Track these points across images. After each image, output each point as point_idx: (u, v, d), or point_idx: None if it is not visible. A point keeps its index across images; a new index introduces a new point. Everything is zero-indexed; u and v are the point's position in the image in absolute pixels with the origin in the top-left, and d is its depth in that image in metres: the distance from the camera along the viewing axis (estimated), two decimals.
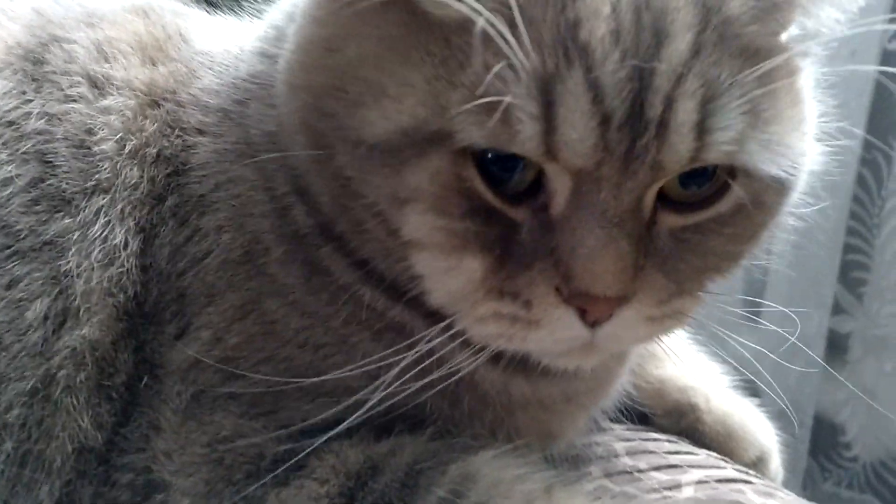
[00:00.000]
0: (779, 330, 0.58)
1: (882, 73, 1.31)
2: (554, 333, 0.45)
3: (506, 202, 0.44)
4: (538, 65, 0.40)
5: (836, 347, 1.29)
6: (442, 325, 0.48)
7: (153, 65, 0.57)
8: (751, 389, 0.72)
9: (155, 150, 0.53)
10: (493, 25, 0.39)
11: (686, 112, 0.41)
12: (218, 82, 0.56)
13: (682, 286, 0.46)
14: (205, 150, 0.53)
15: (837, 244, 1.33)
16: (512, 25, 0.39)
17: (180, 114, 0.54)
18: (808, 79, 0.50)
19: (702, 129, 0.41)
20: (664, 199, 0.45)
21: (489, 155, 0.43)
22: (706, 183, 0.45)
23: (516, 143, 0.41)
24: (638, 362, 0.70)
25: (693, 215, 0.46)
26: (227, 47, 0.59)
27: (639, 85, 0.40)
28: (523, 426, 0.55)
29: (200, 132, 0.54)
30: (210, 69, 0.57)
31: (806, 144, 0.49)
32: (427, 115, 0.42)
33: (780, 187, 0.47)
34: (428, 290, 0.48)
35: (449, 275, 0.46)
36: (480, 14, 0.39)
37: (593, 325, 0.45)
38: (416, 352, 0.48)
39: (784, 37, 0.46)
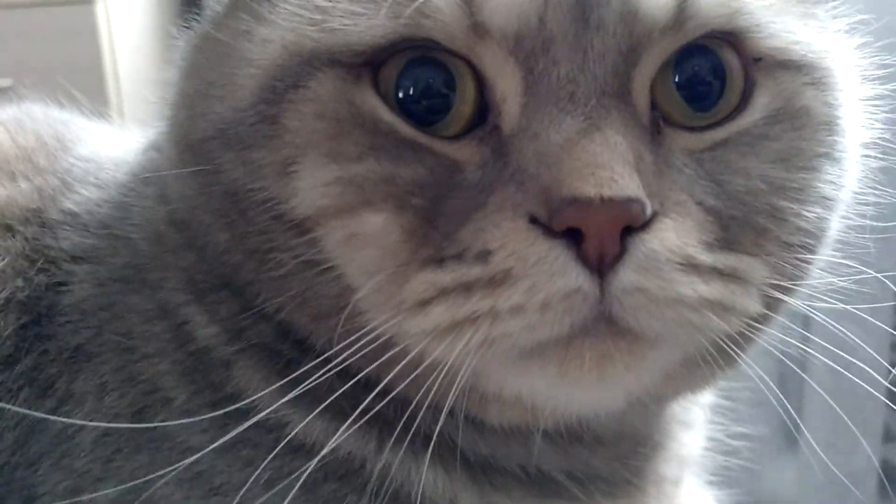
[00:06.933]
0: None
1: None
2: (538, 290, 0.31)
3: (436, 137, 0.34)
4: None
5: (892, 482, 1.14)
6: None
7: (12, 180, 0.45)
8: None
9: (4, 295, 0.41)
10: None
11: None
12: (102, 194, 0.45)
13: (731, 232, 0.33)
14: (83, 284, 0.41)
15: (882, 359, 1.17)
16: None
17: (47, 238, 0.43)
18: None
19: None
20: (669, 123, 0.35)
21: (407, 89, 0.33)
22: (717, 100, 0.35)
23: (429, 20, 0.32)
24: None
25: (712, 132, 0.35)
26: (118, 153, 0.49)
27: None
28: None
29: (77, 259, 0.42)
30: (94, 179, 0.46)
31: (828, 43, 0.38)
32: (299, 37, 0.34)
33: (815, 80, 0.37)
34: (351, 284, 0.35)
35: (354, 245, 0.34)
36: None
37: (600, 268, 0.31)
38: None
39: None
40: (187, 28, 0.44)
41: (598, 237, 0.31)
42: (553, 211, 0.31)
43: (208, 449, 0.36)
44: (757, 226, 0.35)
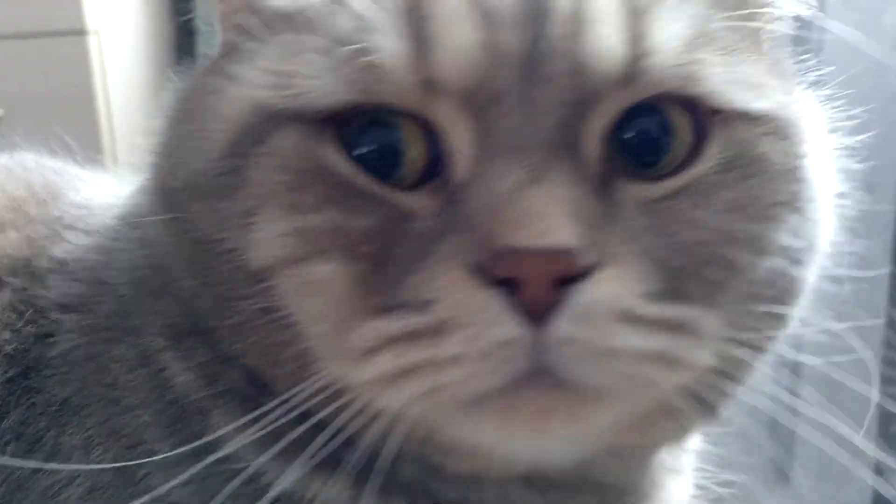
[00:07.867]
0: None
1: None
2: (477, 339, 0.31)
3: (388, 188, 0.34)
4: None
5: None
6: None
7: (1, 230, 0.45)
8: None
9: None
10: None
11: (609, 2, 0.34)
12: (90, 240, 0.45)
13: (681, 283, 0.33)
14: (70, 335, 0.41)
15: (872, 392, 1.17)
16: None
17: (36, 288, 0.42)
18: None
19: (635, 31, 0.34)
20: (623, 174, 0.35)
21: (362, 146, 0.35)
22: (666, 152, 0.35)
23: (381, 85, 0.33)
24: None
25: (666, 182, 0.35)
26: (109, 198, 0.49)
27: None
28: None
29: (65, 308, 0.42)
30: (84, 225, 0.46)
31: (792, 96, 0.39)
32: (264, 97, 0.36)
33: (774, 129, 0.37)
34: (303, 332, 0.36)
35: (306, 292, 0.34)
36: None
37: (536, 318, 0.31)
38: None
39: None
40: (179, 77, 0.45)
41: (532, 287, 0.31)
42: (492, 260, 0.31)
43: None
44: (708, 276, 0.34)
